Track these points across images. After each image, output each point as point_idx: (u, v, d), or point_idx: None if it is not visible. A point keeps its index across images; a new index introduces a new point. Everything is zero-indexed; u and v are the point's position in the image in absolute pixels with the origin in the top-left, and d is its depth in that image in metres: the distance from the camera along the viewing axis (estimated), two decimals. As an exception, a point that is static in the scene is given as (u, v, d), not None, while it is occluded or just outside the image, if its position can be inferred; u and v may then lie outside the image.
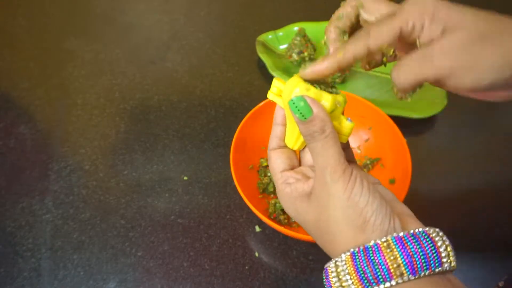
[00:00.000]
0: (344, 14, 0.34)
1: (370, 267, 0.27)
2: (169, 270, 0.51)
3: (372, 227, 0.28)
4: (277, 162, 0.34)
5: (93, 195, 0.57)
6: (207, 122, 0.65)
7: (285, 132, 0.35)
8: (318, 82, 0.32)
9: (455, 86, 0.29)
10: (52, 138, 0.63)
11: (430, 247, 0.27)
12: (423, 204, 0.57)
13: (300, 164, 0.36)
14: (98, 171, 0.60)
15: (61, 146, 0.62)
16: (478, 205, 0.57)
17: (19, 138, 0.63)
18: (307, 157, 0.35)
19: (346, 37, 0.35)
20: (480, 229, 0.55)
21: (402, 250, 0.26)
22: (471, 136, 0.65)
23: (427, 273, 0.27)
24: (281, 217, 0.52)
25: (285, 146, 0.35)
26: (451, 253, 0.27)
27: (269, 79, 0.70)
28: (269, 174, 0.57)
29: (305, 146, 0.35)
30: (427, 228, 0.28)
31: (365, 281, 0.27)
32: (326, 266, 0.29)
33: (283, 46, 0.74)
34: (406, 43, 0.33)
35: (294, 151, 0.35)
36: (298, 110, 0.30)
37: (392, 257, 0.26)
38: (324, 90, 0.31)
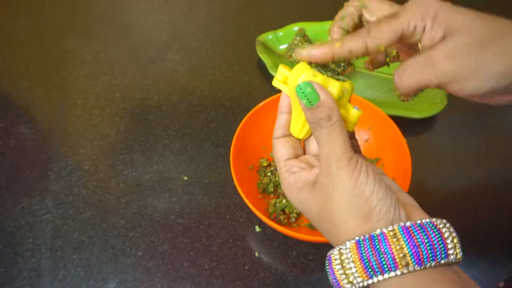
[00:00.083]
0: (346, 14, 0.34)
1: (375, 255, 0.26)
2: (169, 270, 0.51)
3: (378, 216, 0.28)
4: (281, 150, 0.34)
5: (93, 195, 0.57)
6: (207, 122, 0.65)
7: (290, 120, 0.34)
8: (325, 69, 0.32)
9: (456, 91, 0.29)
10: (52, 138, 0.63)
11: (436, 238, 0.26)
12: (423, 204, 0.56)
13: (304, 153, 0.35)
14: (98, 171, 0.60)
15: (61, 146, 0.62)
16: (478, 205, 0.57)
17: (19, 138, 0.63)
18: (312, 146, 0.34)
19: None
20: (480, 229, 0.55)
21: (409, 240, 0.26)
22: (471, 136, 0.65)
23: (433, 264, 0.26)
24: (281, 217, 0.52)
25: (290, 135, 0.35)
26: (457, 245, 0.27)
27: (269, 79, 0.70)
28: (269, 174, 0.57)
29: (310, 135, 0.34)
30: (434, 219, 0.28)
31: (370, 270, 0.27)
32: (329, 253, 0.29)
33: (283, 46, 0.74)
34: (407, 45, 0.33)
35: (299, 140, 0.35)
36: (305, 95, 0.29)
37: (398, 247, 0.26)
38: (331, 77, 0.31)
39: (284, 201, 0.54)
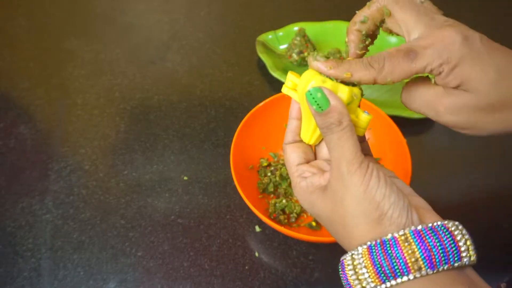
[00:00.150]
0: (369, 17, 0.33)
1: (387, 260, 0.26)
2: (169, 270, 0.51)
3: (390, 220, 0.27)
4: (292, 156, 0.34)
5: (93, 195, 0.57)
6: (207, 122, 0.65)
7: (300, 126, 0.35)
8: None
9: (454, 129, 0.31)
10: (52, 138, 0.63)
11: (449, 241, 0.26)
12: (423, 204, 0.56)
13: (315, 158, 0.35)
14: (98, 171, 0.60)
15: (61, 146, 0.62)
16: (478, 205, 0.57)
17: (19, 138, 0.63)
18: (323, 151, 0.34)
19: (368, 41, 0.34)
20: (480, 229, 0.55)
21: (420, 244, 0.26)
22: (471, 136, 0.65)
23: (445, 267, 0.26)
24: (281, 217, 0.52)
25: (300, 141, 0.35)
26: (470, 247, 0.27)
27: (269, 79, 0.70)
28: (269, 174, 0.57)
29: (321, 140, 0.34)
30: (446, 222, 0.28)
31: (382, 275, 0.27)
32: (342, 258, 0.29)
33: (283, 46, 0.74)
34: None
35: (310, 146, 0.35)
36: (315, 101, 0.29)
37: (410, 251, 0.26)
38: (341, 82, 0.31)
39: (284, 201, 0.54)
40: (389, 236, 0.27)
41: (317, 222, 0.53)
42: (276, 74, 0.67)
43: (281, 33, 0.74)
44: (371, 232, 0.28)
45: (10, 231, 0.54)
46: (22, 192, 0.58)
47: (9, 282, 0.50)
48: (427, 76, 0.31)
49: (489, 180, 0.60)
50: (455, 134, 0.68)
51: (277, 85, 0.69)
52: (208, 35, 0.78)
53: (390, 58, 0.29)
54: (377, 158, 0.57)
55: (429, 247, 0.26)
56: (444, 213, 0.59)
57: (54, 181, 0.58)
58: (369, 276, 0.27)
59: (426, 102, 0.30)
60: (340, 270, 0.29)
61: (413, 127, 0.64)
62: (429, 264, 0.26)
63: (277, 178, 0.56)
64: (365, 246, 0.28)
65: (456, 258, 0.26)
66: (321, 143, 0.35)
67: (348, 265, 0.28)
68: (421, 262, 0.26)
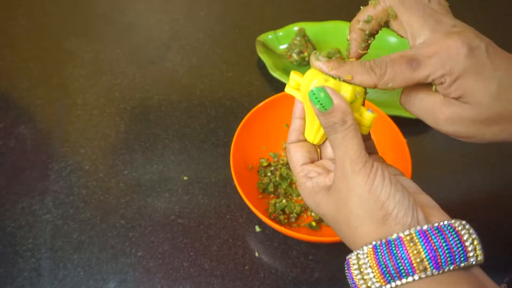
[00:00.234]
0: (373, 17, 0.32)
1: (392, 260, 0.26)
2: (169, 270, 0.51)
3: (395, 220, 0.27)
4: (296, 155, 0.34)
5: (93, 195, 0.57)
6: (207, 122, 0.65)
7: (304, 125, 0.34)
8: None
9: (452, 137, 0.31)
10: (52, 138, 0.63)
11: (455, 241, 0.26)
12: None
13: (320, 158, 0.35)
14: (98, 171, 0.60)
15: (61, 146, 0.62)
16: (478, 205, 0.57)
17: (19, 138, 0.63)
18: (328, 151, 0.34)
19: (371, 40, 0.34)
20: (480, 229, 0.54)
21: (426, 244, 0.26)
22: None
23: (451, 267, 0.26)
24: (281, 217, 0.52)
25: (304, 140, 0.35)
26: (477, 247, 0.27)
27: (269, 79, 0.70)
28: (269, 174, 0.57)
29: (325, 139, 0.34)
30: (452, 221, 0.27)
31: (387, 275, 0.26)
32: (348, 257, 0.29)
33: (283, 46, 0.74)
34: None
35: (314, 145, 0.35)
36: (319, 101, 0.29)
37: (415, 251, 0.26)
38: (343, 81, 0.31)
39: (284, 201, 0.54)
40: (394, 236, 0.27)
41: (317, 222, 0.53)
42: (276, 74, 0.67)
43: (281, 33, 0.74)
44: (376, 231, 0.28)
45: (10, 231, 0.54)
46: (22, 192, 0.58)
47: (9, 282, 0.50)
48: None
49: (489, 180, 0.60)
50: (455, 134, 0.68)
51: (277, 85, 0.69)
52: (208, 35, 0.78)
53: (392, 64, 0.29)
54: (377, 158, 0.57)
55: (434, 247, 0.26)
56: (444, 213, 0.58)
57: (54, 181, 0.58)
58: (374, 276, 0.27)
59: (426, 108, 0.30)
60: (346, 269, 0.29)
61: (413, 127, 0.64)
62: (434, 265, 0.26)
63: (277, 178, 0.56)
64: (370, 246, 0.28)
65: (462, 258, 0.26)
66: (326, 142, 0.34)
67: (353, 264, 0.28)
68: (426, 263, 0.26)
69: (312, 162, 0.34)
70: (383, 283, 0.27)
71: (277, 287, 0.50)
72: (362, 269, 0.27)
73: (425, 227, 0.27)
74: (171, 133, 0.64)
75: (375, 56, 0.31)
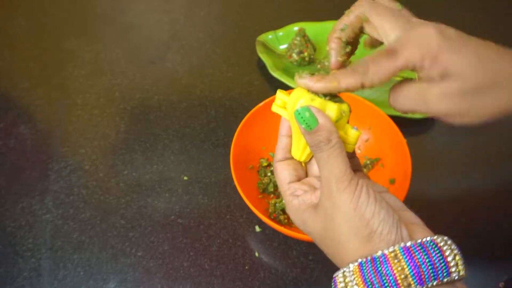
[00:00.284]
0: (348, 25, 0.34)
1: (378, 278, 0.27)
2: (169, 270, 0.51)
3: (379, 237, 0.28)
4: (283, 173, 0.35)
5: (93, 195, 0.57)
6: (207, 122, 0.65)
7: (291, 143, 0.35)
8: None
9: (444, 121, 0.31)
10: (52, 138, 0.63)
11: (437, 257, 0.27)
12: (423, 204, 0.57)
13: (306, 176, 0.36)
14: (98, 171, 0.60)
15: (61, 146, 0.62)
16: (478, 205, 0.57)
17: (19, 138, 0.63)
18: (314, 168, 0.35)
19: (348, 48, 0.35)
20: (480, 229, 0.55)
21: (410, 261, 0.26)
22: (471, 136, 0.65)
23: (435, 283, 0.26)
24: (281, 217, 0.52)
25: (291, 158, 0.35)
26: (459, 262, 0.27)
27: (269, 79, 0.70)
28: (269, 174, 0.57)
29: (312, 157, 0.35)
30: (435, 237, 0.28)
31: None
32: (334, 275, 0.30)
33: (283, 46, 0.74)
34: None
35: (300, 163, 0.35)
36: (304, 120, 0.30)
37: (399, 268, 0.26)
38: (329, 99, 0.32)
39: (284, 201, 0.54)
40: (379, 253, 0.27)
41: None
42: (276, 74, 0.67)
43: (281, 33, 0.74)
44: (361, 249, 0.28)
45: (10, 231, 0.54)
46: (22, 192, 0.58)
47: (9, 282, 0.50)
48: (410, 78, 0.32)
49: (489, 180, 0.60)
50: (455, 134, 0.69)
51: (277, 85, 0.69)
52: (208, 35, 0.78)
53: (373, 60, 0.30)
54: (377, 158, 0.57)
55: (418, 264, 0.26)
56: (444, 213, 0.59)
57: (54, 181, 0.58)
58: None
59: (414, 97, 0.31)
60: (333, 286, 0.29)
61: (413, 127, 0.64)
62: (418, 281, 0.26)
63: (277, 178, 0.56)
64: (356, 264, 0.28)
65: (445, 274, 0.27)
66: (312, 160, 0.35)
67: (340, 282, 0.29)
68: (410, 279, 0.26)
69: (299, 180, 0.35)
70: None
71: (277, 287, 0.50)
72: (348, 287, 0.28)
73: (408, 243, 0.27)
74: (171, 133, 0.64)
75: None
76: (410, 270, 0.26)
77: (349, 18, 0.34)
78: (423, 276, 0.26)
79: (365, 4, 0.33)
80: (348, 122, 0.33)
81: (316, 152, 0.30)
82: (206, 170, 0.60)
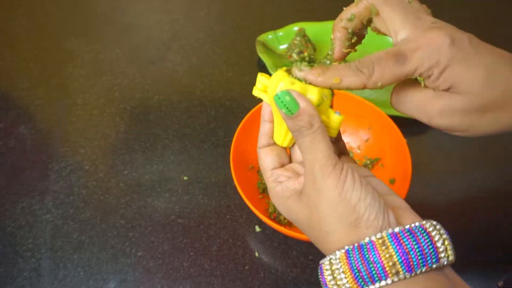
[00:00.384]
0: (356, 15, 0.32)
1: (365, 265, 0.26)
2: (169, 270, 0.51)
3: (366, 223, 0.27)
4: (266, 160, 0.34)
5: (93, 195, 0.57)
6: (207, 122, 0.65)
7: (273, 129, 0.34)
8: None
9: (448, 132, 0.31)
10: (52, 138, 0.63)
11: (426, 242, 0.26)
12: (423, 203, 0.57)
13: (290, 161, 0.35)
14: (98, 171, 0.60)
15: (61, 146, 0.62)
16: (478, 205, 0.57)
17: (19, 138, 0.63)
18: (297, 153, 0.34)
19: (354, 39, 0.33)
20: (480, 228, 0.55)
21: (398, 247, 0.26)
22: (466, 137, 0.65)
23: (423, 269, 0.26)
24: (281, 217, 0.52)
25: (274, 144, 0.34)
26: (448, 247, 0.27)
27: (269, 79, 0.70)
28: (269, 174, 0.57)
29: (295, 142, 0.34)
30: (423, 222, 0.27)
31: (360, 280, 0.26)
32: (320, 262, 0.29)
33: (283, 46, 0.74)
34: None
35: (284, 148, 0.35)
36: (284, 105, 0.29)
37: (387, 255, 0.26)
38: (310, 83, 0.30)
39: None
40: (367, 240, 0.27)
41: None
42: (276, 74, 0.67)
43: (281, 33, 0.74)
44: (348, 235, 0.28)
45: (10, 231, 0.54)
46: (22, 192, 0.58)
47: (9, 282, 0.50)
48: (416, 79, 0.30)
49: (489, 180, 0.60)
50: (455, 135, 0.68)
51: (277, 85, 0.69)
52: (208, 35, 0.78)
53: (379, 62, 0.28)
54: (377, 158, 0.57)
55: (406, 250, 0.26)
56: (444, 213, 0.59)
57: (54, 181, 0.58)
58: (347, 282, 0.27)
59: (417, 105, 0.30)
60: (319, 274, 0.29)
61: (413, 127, 0.64)
62: (406, 268, 0.26)
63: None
64: (343, 251, 0.27)
65: (434, 260, 0.26)
66: (295, 146, 0.34)
67: (326, 270, 0.28)
68: (398, 266, 0.26)
69: (283, 166, 0.34)
70: None
71: (277, 287, 0.50)
72: (335, 275, 0.27)
73: (396, 229, 0.27)
74: (171, 133, 0.64)
75: None
76: (399, 257, 0.26)
77: (358, 8, 0.32)
78: (411, 263, 0.26)
79: None
80: (332, 107, 0.32)
81: (298, 138, 0.29)
82: (206, 170, 0.60)
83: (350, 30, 0.33)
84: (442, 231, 0.27)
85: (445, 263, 0.27)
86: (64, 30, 0.79)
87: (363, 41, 0.35)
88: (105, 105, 0.67)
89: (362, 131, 0.59)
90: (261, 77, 0.33)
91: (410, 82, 0.31)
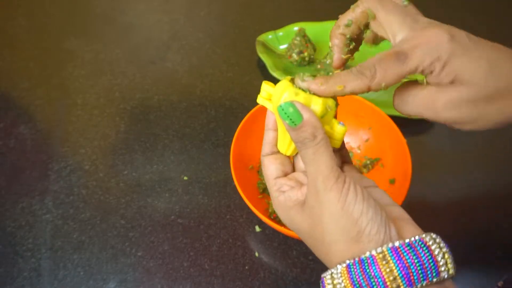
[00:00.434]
0: (353, 21, 0.32)
1: (366, 280, 0.26)
2: (169, 270, 0.51)
3: (368, 237, 0.27)
4: (270, 168, 0.34)
5: (93, 195, 0.57)
6: (207, 122, 0.65)
7: (277, 137, 0.34)
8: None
9: (451, 127, 0.30)
10: (52, 138, 0.63)
11: (426, 257, 0.26)
12: (423, 204, 0.57)
13: (294, 170, 0.35)
14: (98, 171, 0.60)
15: (61, 146, 0.62)
16: (477, 205, 0.57)
17: (19, 138, 0.63)
18: (301, 162, 0.34)
19: (352, 45, 0.34)
20: (479, 228, 0.55)
21: (398, 262, 0.26)
22: (471, 135, 0.65)
23: (424, 283, 0.26)
24: (281, 217, 0.52)
25: (278, 152, 0.34)
26: (448, 260, 0.27)
27: (269, 79, 0.69)
28: (269, 174, 0.56)
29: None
30: (423, 235, 0.27)
31: None
32: (322, 276, 0.29)
33: (283, 46, 0.74)
34: None
35: (288, 157, 0.35)
36: (288, 116, 0.29)
37: (388, 269, 0.26)
38: (314, 94, 0.30)
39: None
40: (367, 254, 0.27)
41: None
42: (276, 74, 0.67)
43: (281, 33, 0.74)
44: (350, 249, 0.28)
45: (10, 231, 0.54)
46: (22, 192, 0.58)
47: (9, 282, 0.50)
48: (416, 80, 0.31)
49: (489, 180, 0.60)
50: (455, 134, 0.68)
51: (277, 85, 0.69)
52: (208, 35, 0.78)
53: (380, 63, 0.28)
54: (377, 158, 0.57)
55: (407, 265, 0.26)
56: (444, 213, 0.59)
57: (54, 181, 0.58)
58: None
59: (422, 102, 0.30)
60: (321, 287, 0.29)
61: (413, 127, 0.64)
62: (407, 282, 0.26)
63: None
64: (344, 265, 0.27)
65: (434, 274, 0.26)
66: (298, 154, 0.34)
67: (328, 284, 0.28)
68: (399, 281, 0.26)
69: (286, 175, 0.34)
70: None
71: (277, 287, 0.50)
72: None
73: (397, 243, 0.27)
74: (171, 133, 0.64)
75: None
76: (399, 271, 0.26)
77: (355, 13, 0.32)
78: (412, 277, 0.26)
79: None
80: (336, 117, 0.32)
81: (301, 149, 0.29)
82: (206, 170, 0.60)
83: (348, 36, 0.33)
84: (442, 245, 0.27)
85: (446, 276, 0.27)
86: (64, 30, 0.79)
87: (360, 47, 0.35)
88: (105, 105, 0.67)
89: (362, 131, 0.59)
90: (265, 86, 0.33)
91: (411, 83, 0.31)
